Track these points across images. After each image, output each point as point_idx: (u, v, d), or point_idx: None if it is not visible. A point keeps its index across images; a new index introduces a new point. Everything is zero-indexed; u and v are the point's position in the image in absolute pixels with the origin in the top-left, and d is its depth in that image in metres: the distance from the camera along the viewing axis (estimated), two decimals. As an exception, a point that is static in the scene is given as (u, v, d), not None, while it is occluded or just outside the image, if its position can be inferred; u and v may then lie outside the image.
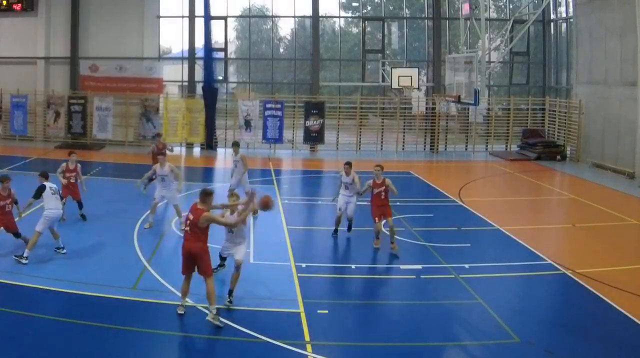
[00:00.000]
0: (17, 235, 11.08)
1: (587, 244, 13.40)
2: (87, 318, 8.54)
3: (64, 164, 13.73)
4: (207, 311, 8.59)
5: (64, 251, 11.41)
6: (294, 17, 29.13)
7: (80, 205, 13.90)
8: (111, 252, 11.63)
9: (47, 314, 8.58)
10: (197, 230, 8.55)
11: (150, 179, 16.93)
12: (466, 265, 10.91)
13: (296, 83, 29.27)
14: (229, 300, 9.18)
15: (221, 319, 8.51)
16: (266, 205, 9.09)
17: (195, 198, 8.24)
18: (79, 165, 13.93)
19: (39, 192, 11.11)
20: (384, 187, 12.16)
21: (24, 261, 10.62)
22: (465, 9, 25.02)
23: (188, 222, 8.66)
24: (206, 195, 8.78)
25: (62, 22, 27.49)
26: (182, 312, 8.86)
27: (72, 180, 13.67)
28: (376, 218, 12.23)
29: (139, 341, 8.07)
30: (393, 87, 26.11)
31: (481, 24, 23.41)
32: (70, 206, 13.72)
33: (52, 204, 11.15)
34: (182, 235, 12.88)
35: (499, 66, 29.69)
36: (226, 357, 7.89)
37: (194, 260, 8.63)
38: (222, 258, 10.44)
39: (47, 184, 11.26)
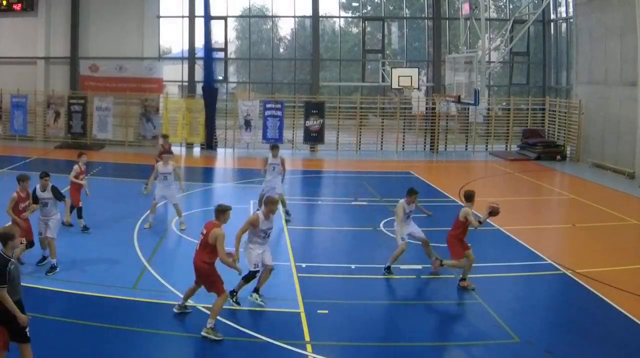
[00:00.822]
0: (31, 244, 10.27)
1: (587, 244, 13.40)
2: (87, 318, 8.54)
3: (76, 166, 13.14)
4: (207, 311, 8.55)
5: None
6: (294, 17, 29.13)
7: (80, 212, 13.17)
8: (111, 252, 11.61)
9: (47, 314, 8.56)
10: (206, 248, 8.21)
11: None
12: (466, 265, 10.88)
13: (296, 83, 29.27)
14: (258, 298, 9.25)
15: (219, 334, 8.09)
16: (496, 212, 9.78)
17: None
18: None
19: (35, 198, 10.44)
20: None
21: (57, 270, 10.28)
22: (465, 9, 25.03)
23: (201, 236, 8.36)
24: (221, 211, 8.40)
25: (62, 22, 27.49)
26: (178, 312, 8.79)
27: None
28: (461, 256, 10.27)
29: (139, 341, 8.07)
30: (393, 87, 26.12)
31: (481, 24, 23.41)
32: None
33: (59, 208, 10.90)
34: (182, 235, 12.98)
35: (499, 66, 29.70)
36: (226, 356, 7.89)
37: (200, 278, 8.41)
38: (251, 277, 9.26)
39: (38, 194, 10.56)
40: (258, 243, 9.16)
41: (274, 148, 14.73)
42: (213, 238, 8.10)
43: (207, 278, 8.29)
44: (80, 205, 13.11)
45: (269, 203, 9.13)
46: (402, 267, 11.11)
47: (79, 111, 26.90)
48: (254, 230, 9.09)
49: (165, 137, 17.82)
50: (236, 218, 14.78)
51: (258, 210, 9.93)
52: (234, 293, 9.20)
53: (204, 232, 8.31)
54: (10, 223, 10.06)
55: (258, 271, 9.21)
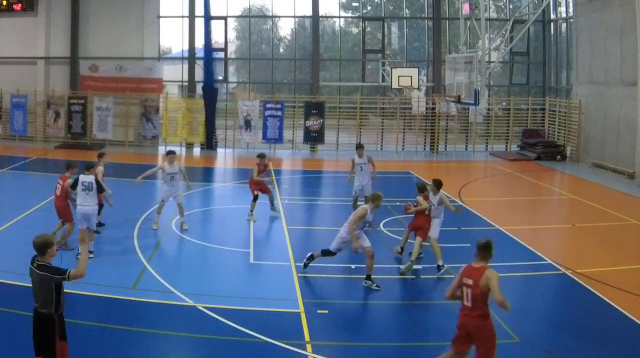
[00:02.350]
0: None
1: (587, 244, 13.40)
2: (87, 318, 8.54)
3: (100, 168, 12.90)
4: (208, 312, 8.54)
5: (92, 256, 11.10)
6: (294, 17, 29.13)
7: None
8: (111, 252, 11.63)
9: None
10: (478, 299, 6.61)
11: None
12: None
13: (296, 83, 29.28)
14: (372, 284, 10.05)
15: None
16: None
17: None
18: None
19: (75, 184, 11.15)
20: None
21: (92, 255, 10.69)
22: (465, 9, 25.01)
23: (465, 289, 6.72)
24: (486, 248, 6.98)
25: (62, 22, 27.48)
26: None
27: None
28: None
29: (139, 341, 8.07)
30: (393, 87, 26.08)
31: (481, 24, 23.40)
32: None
33: (80, 200, 11.14)
34: (182, 235, 12.96)
35: (499, 66, 29.69)
36: (226, 357, 7.88)
37: (474, 338, 6.72)
38: (332, 253, 10.57)
39: (81, 177, 11.15)
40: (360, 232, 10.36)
41: (360, 147, 14.98)
42: (485, 282, 6.58)
43: (483, 337, 6.68)
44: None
45: (375, 199, 10.36)
46: (402, 267, 11.12)
47: (79, 111, 26.88)
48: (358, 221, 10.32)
49: (261, 157, 15.00)
50: (237, 218, 14.81)
51: (365, 204, 10.72)
52: (369, 276, 10.19)
53: (470, 282, 6.68)
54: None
55: (340, 250, 10.56)
